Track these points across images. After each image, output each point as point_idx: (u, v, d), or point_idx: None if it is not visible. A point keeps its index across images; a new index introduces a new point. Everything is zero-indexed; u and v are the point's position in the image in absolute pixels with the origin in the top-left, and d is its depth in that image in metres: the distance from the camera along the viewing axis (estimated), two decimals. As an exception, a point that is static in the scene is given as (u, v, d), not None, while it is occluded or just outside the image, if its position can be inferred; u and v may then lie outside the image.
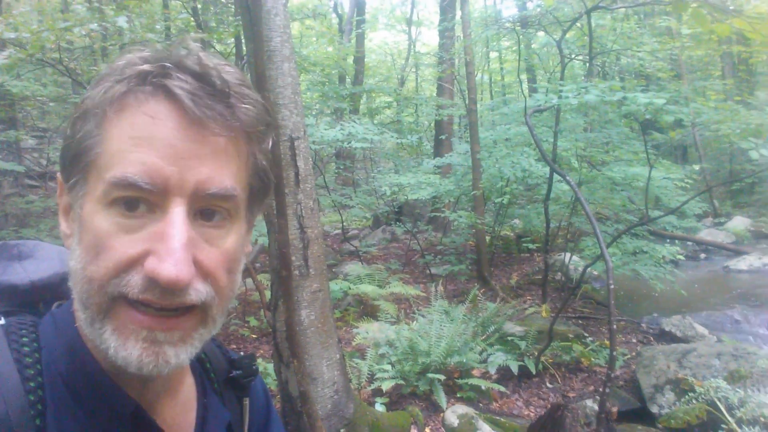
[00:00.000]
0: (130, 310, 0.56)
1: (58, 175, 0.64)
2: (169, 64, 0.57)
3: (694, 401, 3.85)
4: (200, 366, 0.79)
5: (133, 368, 0.56)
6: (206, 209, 0.59)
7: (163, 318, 0.56)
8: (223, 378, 0.81)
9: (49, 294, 0.73)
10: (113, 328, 0.56)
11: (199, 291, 0.57)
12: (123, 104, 0.57)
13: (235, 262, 0.62)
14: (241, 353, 0.87)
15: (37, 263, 0.75)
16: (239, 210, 0.62)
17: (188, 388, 0.75)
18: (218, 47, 8.13)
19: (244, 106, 0.59)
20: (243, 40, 6.32)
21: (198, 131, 0.57)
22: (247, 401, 0.82)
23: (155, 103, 0.56)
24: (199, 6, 7.36)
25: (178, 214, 0.55)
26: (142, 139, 0.55)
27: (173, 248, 0.54)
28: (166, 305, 0.55)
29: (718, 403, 3.71)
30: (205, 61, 0.58)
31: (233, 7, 7.83)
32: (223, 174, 0.58)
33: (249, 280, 6.04)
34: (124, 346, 0.55)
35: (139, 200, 0.55)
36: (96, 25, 4.61)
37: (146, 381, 0.64)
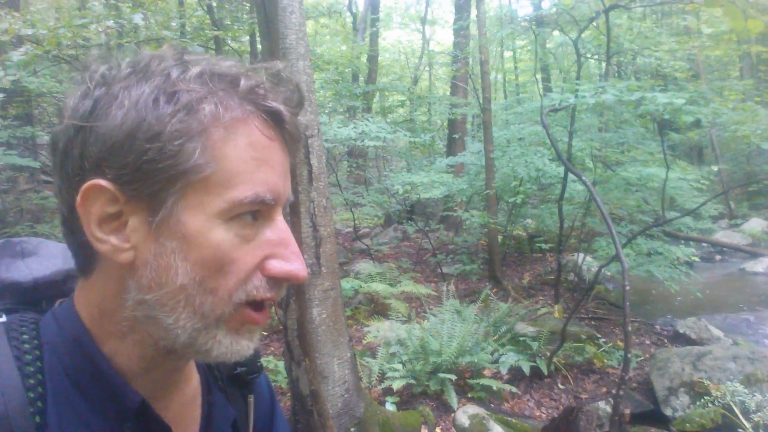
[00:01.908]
0: (247, 310, 0.61)
1: (95, 183, 0.57)
2: (263, 86, 0.61)
3: (709, 404, 3.81)
4: (204, 363, 0.79)
5: (236, 358, 0.62)
6: None
7: (262, 312, 0.63)
8: (227, 375, 0.81)
9: (52, 291, 0.72)
10: (227, 330, 0.61)
11: None
12: (234, 126, 0.59)
13: None
14: None
15: (41, 261, 0.74)
16: None
17: (194, 385, 0.75)
18: (233, 45, 8.16)
19: (302, 121, 0.66)
20: (258, 38, 6.35)
21: (288, 147, 0.65)
22: (251, 398, 0.82)
23: (264, 124, 0.61)
24: (214, 4, 7.38)
25: (282, 221, 0.63)
26: (263, 160, 0.60)
27: (297, 251, 0.63)
28: (276, 299, 0.63)
29: (733, 406, 3.66)
30: (286, 77, 0.63)
31: (248, 4, 7.86)
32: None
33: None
34: (238, 344, 0.62)
35: (259, 212, 0.61)
36: (112, 22, 4.64)
37: (155, 377, 0.65)
